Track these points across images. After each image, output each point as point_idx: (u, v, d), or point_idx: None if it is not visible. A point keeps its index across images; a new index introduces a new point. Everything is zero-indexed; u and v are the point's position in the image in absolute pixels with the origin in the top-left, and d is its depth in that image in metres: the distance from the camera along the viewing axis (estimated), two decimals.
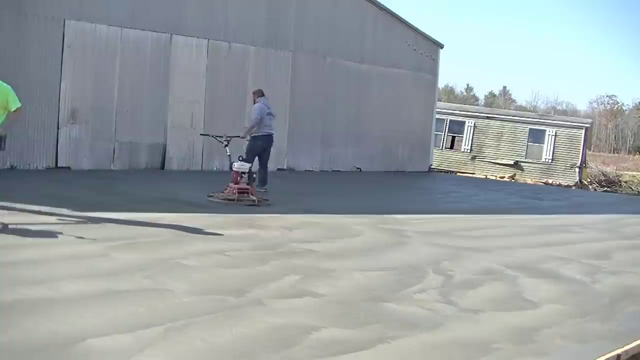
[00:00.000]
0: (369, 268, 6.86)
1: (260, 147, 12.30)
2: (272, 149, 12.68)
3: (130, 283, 5.52)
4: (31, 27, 13.36)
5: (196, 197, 11.13)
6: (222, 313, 4.89)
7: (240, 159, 10.92)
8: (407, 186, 18.17)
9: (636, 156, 58.87)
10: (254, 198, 10.61)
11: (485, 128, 30.25)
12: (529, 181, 27.40)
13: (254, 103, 12.39)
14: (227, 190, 10.69)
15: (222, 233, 8.13)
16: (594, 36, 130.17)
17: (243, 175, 10.68)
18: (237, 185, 10.63)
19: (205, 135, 12.70)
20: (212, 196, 10.75)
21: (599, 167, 33.60)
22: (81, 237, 7.15)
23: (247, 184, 10.81)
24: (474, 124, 30.35)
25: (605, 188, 29.57)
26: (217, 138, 11.82)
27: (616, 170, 34.56)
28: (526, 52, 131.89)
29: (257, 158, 12.26)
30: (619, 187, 30.40)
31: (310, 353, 4.25)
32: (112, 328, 4.36)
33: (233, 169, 10.77)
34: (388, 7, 20.64)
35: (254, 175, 11.36)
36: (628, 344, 4.92)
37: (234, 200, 10.50)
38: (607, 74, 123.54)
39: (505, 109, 56.78)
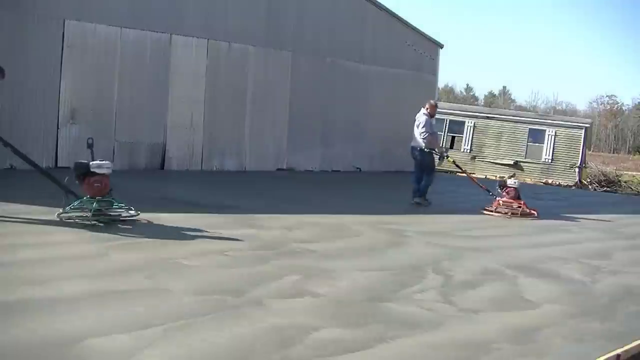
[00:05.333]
0: (369, 268, 6.86)
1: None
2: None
3: (130, 283, 5.52)
4: (31, 27, 13.36)
5: (196, 197, 11.12)
6: (222, 313, 4.89)
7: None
8: (407, 186, 18.12)
9: (636, 156, 58.86)
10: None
11: (485, 128, 30.24)
12: (528, 181, 27.39)
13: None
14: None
15: (222, 233, 8.13)
16: (594, 36, 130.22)
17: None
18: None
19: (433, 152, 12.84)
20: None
21: (598, 167, 33.56)
22: (81, 237, 7.15)
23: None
24: (474, 124, 30.34)
25: (605, 188, 29.54)
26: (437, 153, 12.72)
27: (616, 170, 34.51)
28: (526, 52, 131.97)
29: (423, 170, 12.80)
30: (619, 187, 30.37)
31: (310, 353, 4.25)
32: (112, 328, 4.36)
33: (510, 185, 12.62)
34: (388, 7, 20.65)
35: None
36: (628, 344, 4.91)
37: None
38: (607, 74, 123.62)
39: (505, 108, 56.79)
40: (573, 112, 78.45)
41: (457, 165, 14.39)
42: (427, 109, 12.51)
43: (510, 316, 5.51)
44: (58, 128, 13.85)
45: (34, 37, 13.42)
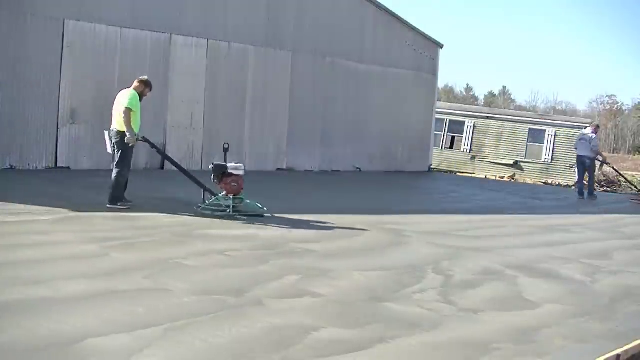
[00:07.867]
0: (369, 268, 6.86)
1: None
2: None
3: (130, 283, 5.52)
4: (31, 27, 13.35)
5: (196, 198, 11.10)
6: (222, 313, 4.89)
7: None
8: (407, 186, 18.17)
9: (636, 156, 58.84)
10: None
11: (485, 128, 30.23)
12: (528, 181, 27.39)
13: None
14: None
15: (222, 233, 8.13)
16: (594, 35, 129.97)
17: None
18: None
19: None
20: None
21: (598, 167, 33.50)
22: (81, 237, 7.15)
23: None
24: (474, 124, 30.34)
25: (605, 188, 29.53)
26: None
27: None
28: (526, 52, 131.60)
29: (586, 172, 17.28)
30: (619, 187, 30.36)
31: (310, 353, 4.25)
32: (112, 328, 4.37)
33: None
34: (388, 7, 20.65)
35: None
36: (628, 344, 4.92)
37: None
38: (607, 74, 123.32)
39: (505, 108, 56.81)
40: (573, 112, 78.42)
41: (616, 170, 19.48)
42: (593, 127, 17.39)
43: (510, 316, 5.51)
44: (58, 128, 13.84)
45: (34, 37, 13.41)
